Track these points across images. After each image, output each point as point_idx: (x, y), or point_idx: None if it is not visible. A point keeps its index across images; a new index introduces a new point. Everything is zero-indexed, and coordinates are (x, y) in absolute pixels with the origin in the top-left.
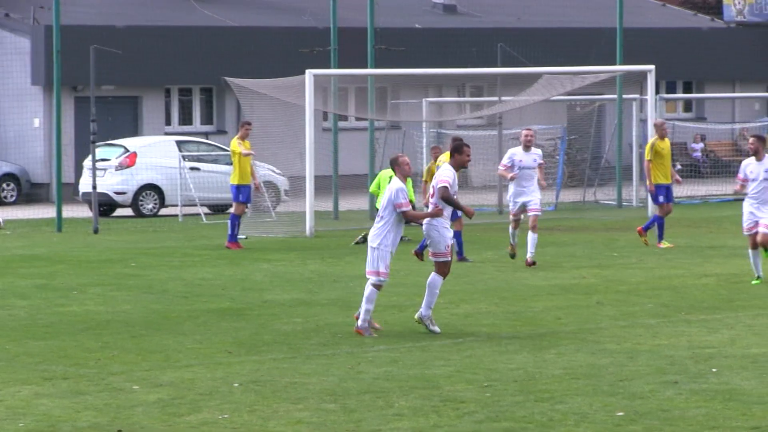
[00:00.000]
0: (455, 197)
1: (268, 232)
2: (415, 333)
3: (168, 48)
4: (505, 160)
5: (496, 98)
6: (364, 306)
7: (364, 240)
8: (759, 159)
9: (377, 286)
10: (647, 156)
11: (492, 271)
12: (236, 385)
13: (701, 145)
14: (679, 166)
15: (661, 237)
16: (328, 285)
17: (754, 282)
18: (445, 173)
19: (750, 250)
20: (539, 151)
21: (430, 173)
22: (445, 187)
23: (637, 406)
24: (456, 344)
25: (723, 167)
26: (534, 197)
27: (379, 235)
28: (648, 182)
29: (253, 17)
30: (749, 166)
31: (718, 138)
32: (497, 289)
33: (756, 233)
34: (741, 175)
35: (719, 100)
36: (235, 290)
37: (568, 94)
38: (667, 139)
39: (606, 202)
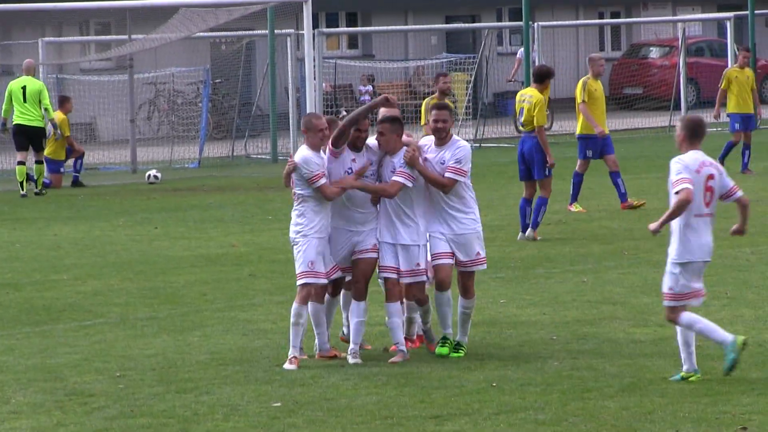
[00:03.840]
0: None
1: None
2: (32, 315)
3: None
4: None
5: (125, 36)
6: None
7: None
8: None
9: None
10: (580, 97)
11: (125, 240)
12: None
13: (369, 87)
14: (344, 112)
15: (574, 198)
16: None
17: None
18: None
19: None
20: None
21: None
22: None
23: (296, 395)
24: (83, 328)
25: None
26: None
27: None
28: (594, 126)
29: None
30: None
31: (389, 78)
32: (131, 261)
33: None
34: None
35: (389, 33)
36: None
37: (212, 30)
38: (599, 81)
39: (258, 156)
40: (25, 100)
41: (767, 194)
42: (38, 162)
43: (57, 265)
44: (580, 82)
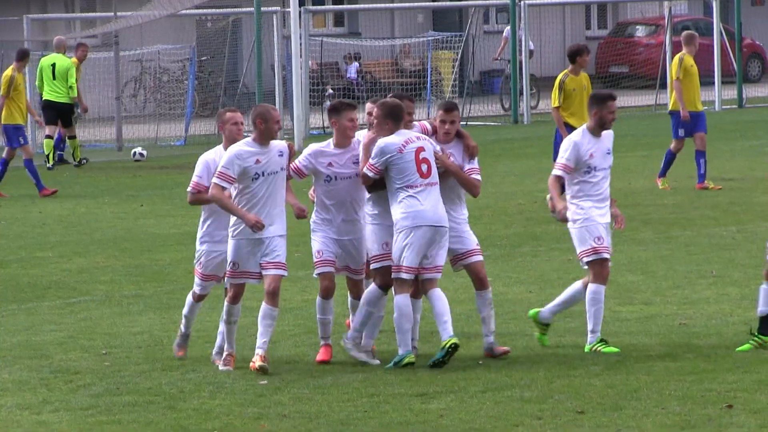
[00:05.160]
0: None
1: None
2: (18, 293)
3: None
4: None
5: (111, 14)
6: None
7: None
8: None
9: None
10: (674, 75)
11: (110, 217)
12: None
13: (356, 65)
14: (330, 90)
15: (663, 173)
16: None
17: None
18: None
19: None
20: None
21: None
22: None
23: (283, 373)
24: (69, 305)
25: (382, 90)
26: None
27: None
28: (681, 107)
29: None
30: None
31: (375, 57)
32: (116, 239)
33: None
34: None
35: (376, 11)
36: None
37: (198, 7)
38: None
39: (244, 134)
40: (54, 77)
41: (753, 173)
42: (71, 137)
43: (42, 242)
44: (676, 57)
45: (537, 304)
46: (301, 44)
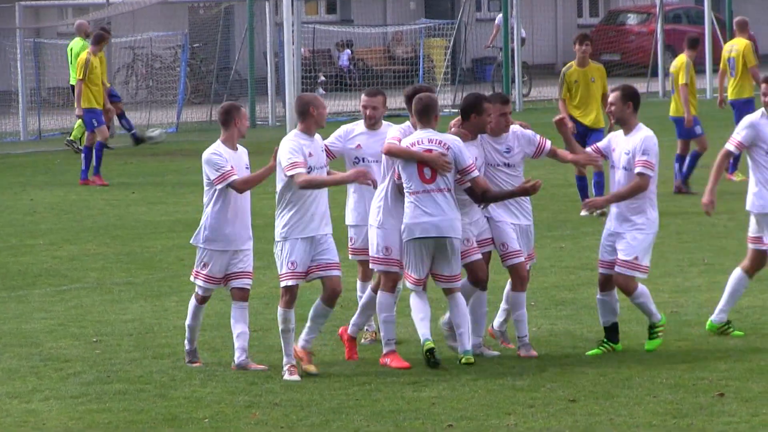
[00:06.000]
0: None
1: None
2: (8, 280)
3: None
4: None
5: (103, 0)
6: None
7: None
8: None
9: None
10: (753, 61)
11: (101, 204)
12: None
13: (348, 52)
14: (322, 78)
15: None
16: None
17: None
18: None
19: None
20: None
21: None
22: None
23: (274, 361)
24: (59, 293)
25: (375, 78)
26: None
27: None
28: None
29: None
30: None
31: (367, 44)
32: (108, 226)
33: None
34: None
35: None
36: None
37: None
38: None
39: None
40: (71, 62)
41: (746, 161)
42: (79, 116)
43: (33, 229)
44: (748, 45)
45: (529, 293)
46: (293, 31)
